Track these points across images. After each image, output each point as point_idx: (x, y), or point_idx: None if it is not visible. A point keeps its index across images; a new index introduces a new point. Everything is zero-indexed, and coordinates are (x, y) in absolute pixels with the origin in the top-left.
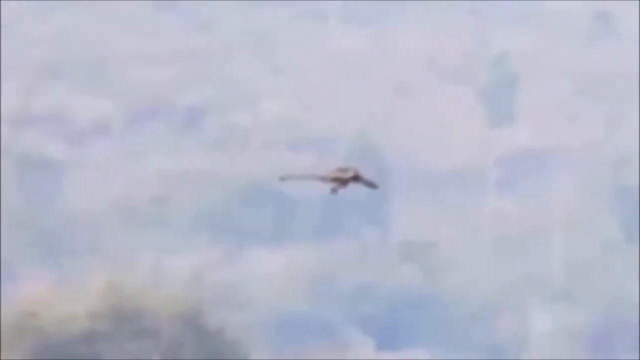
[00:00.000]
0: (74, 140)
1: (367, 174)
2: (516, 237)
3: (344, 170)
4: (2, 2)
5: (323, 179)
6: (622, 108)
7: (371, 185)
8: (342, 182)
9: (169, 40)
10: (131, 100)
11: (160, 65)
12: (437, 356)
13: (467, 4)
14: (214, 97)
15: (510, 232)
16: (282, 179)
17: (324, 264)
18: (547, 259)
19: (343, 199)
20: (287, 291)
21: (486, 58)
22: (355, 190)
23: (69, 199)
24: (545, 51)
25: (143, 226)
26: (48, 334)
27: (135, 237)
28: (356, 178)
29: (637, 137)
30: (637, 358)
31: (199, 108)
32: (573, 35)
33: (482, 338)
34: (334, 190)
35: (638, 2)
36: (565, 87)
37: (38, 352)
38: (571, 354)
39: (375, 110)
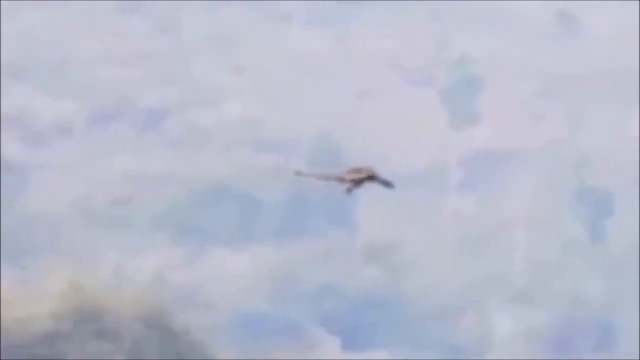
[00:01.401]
0: (35, 141)
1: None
2: (478, 238)
3: (358, 170)
4: None
5: (339, 179)
6: (585, 108)
7: (387, 184)
8: (357, 181)
9: (131, 41)
10: (93, 101)
11: (123, 66)
12: (401, 356)
13: (429, 6)
14: (176, 98)
15: (473, 233)
16: (298, 173)
17: (288, 265)
18: (509, 259)
19: (307, 200)
20: (251, 291)
21: (448, 59)
22: (318, 190)
23: (31, 199)
24: (507, 52)
25: (105, 227)
26: (9, 335)
27: (98, 238)
28: (372, 177)
29: (599, 137)
30: (599, 359)
31: (161, 109)
32: (535, 35)
33: (445, 338)
34: (349, 190)
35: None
36: (527, 87)
37: None
38: (532, 354)
39: (338, 111)
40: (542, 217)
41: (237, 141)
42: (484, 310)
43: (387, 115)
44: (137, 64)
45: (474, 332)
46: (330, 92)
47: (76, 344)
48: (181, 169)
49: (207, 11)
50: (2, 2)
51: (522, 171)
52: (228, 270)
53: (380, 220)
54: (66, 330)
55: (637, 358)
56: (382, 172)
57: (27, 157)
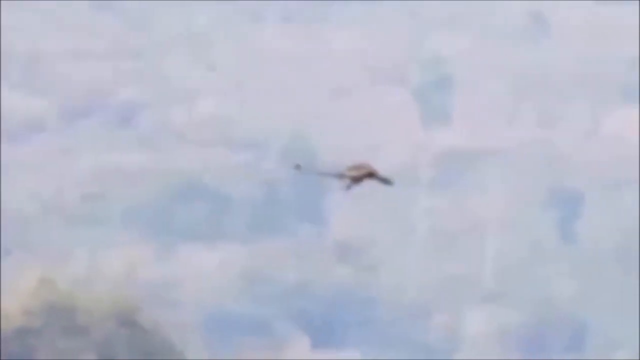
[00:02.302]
0: (7, 137)
1: (301, 173)
2: (450, 238)
3: (358, 167)
4: None
5: (338, 175)
6: (557, 109)
7: (386, 181)
8: (357, 179)
9: (104, 37)
10: (66, 97)
11: (95, 62)
12: (371, 354)
13: (402, 6)
14: (149, 95)
15: (444, 233)
16: (297, 168)
17: (259, 262)
18: (481, 259)
19: (279, 198)
20: (222, 289)
21: (421, 59)
22: (290, 188)
23: (3, 196)
24: (480, 52)
25: (76, 223)
26: None
27: (69, 234)
28: (371, 175)
29: (571, 138)
30: (568, 359)
31: (133, 106)
32: (507, 36)
33: (415, 337)
34: (348, 187)
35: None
36: (499, 88)
37: None
38: (503, 354)
39: (311, 110)
40: (514, 217)
41: (210, 139)
42: (454, 309)
43: (359, 114)
44: (110, 61)
45: (444, 331)
46: (303, 90)
47: (47, 340)
48: (153, 165)
49: (180, 9)
50: None
51: (494, 171)
52: (199, 268)
53: (352, 219)
54: (37, 327)
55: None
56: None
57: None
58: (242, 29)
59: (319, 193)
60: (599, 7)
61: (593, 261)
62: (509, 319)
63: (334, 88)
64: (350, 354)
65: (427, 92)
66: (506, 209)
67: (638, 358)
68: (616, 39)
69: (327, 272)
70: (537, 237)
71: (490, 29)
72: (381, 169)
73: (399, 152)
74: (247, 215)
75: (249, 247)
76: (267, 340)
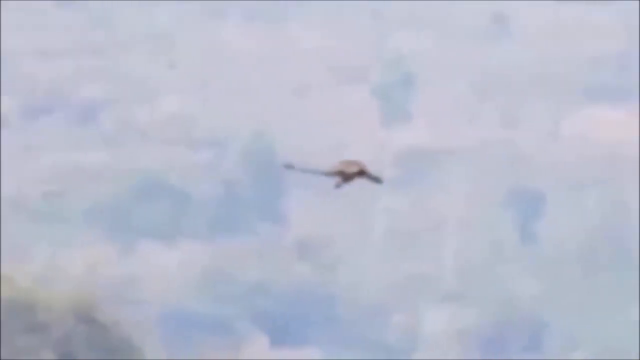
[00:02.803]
0: None
1: (262, 172)
2: (410, 237)
3: (348, 164)
4: None
5: (327, 173)
6: (519, 108)
7: (376, 179)
8: (347, 177)
9: (66, 35)
10: (28, 95)
11: (58, 59)
12: (330, 353)
13: (364, 5)
14: (111, 93)
15: (404, 232)
16: (287, 166)
17: (219, 261)
18: (441, 258)
19: (239, 196)
20: (182, 287)
21: (383, 58)
22: (251, 187)
23: None
24: (441, 51)
25: (37, 221)
26: None
27: (30, 232)
28: (361, 173)
29: (531, 138)
30: (528, 358)
31: (95, 103)
32: (470, 35)
33: (374, 336)
34: (337, 186)
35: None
36: (461, 87)
37: None
38: (462, 353)
39: (273, 108)
40: (475, 216)
41: (172, 137)
42: (414, 308)
43: (321, 113)
44: (72, 59)
45: (403, 330)
46: (266, 89)
47: (6, 337)
48: (114, 163)
49: (142, 7)
50: None
51: (455, 170)
52: (159, 266)
53: (312, 217)
54: None
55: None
56: (316, 169)
57: None
58: (204, 27)
59: (280, 192)
60: (562, 7)
61: (553, 261)
62: (468, 319)
63: (296, 87)
64: (310, 352)
65: (389, 91)
66: (467, 208)
67: (595, 358)
68: (579, 39)
69: (287, 271)
70: (497, 237)
71: (452, 28)
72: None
73: (361, 150)
74: (208, 214)
75: (209, 246)
76: (226, 338)
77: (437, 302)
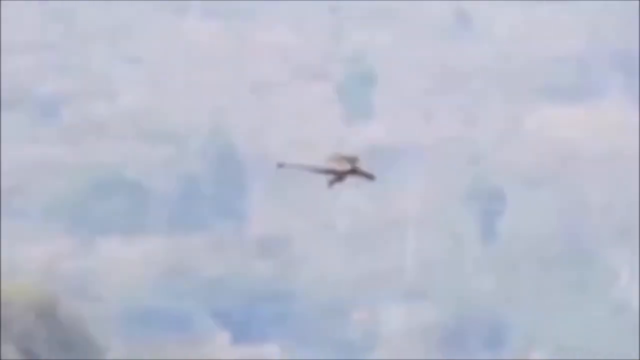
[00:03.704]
0: None
1: (222, 168)
2: (370, 234)
3: (341, 158)
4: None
5: (323, 171)
6: (478, 106)
7: (369, 176)
8: (340, 175)
9: (26, 30)
10: None
11: (16, 55)
12: (290, 349)
13: (325, 2)
14: (71, 88)
15: (365, 229)
16: (280, 165)
17: (179, 257)
18: (401, 255)
19: (199, 192)
20: (142, 282)
21: (344, 55)
22: (211, 183)
23: None
24: (402, 49)
25: None
26: None
27: None
28: (354, 171)
29: (491, 135)
30: (488, 356)
31: (55, 98)
32: (430, 33)
33: (335, 333)
34: (331, 184)
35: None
36: (421, 84)
37: None
38: (422, 350)
39: (233, 104)
40: (435, 214)
41: (131, 132)
42: (374, 305)
43: (281, 109)
44: (31, 54)
45: (364, 327)
46: (225, 85)
47: None
48: (74, 158)
49: (102, 2)
50: None
51: (415, 167)
52: (119, 261)
53: (272, 214)
54: None
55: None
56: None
57: None
58: (164, 23)
59: (240, 188)
60: (523, 7)
61: (513, 259)
62: (428, 316)
63: (255, 83)
64: (270, 349)
65: (349, 88)
66: (427, 205)
67: (553, 354)
68: (539, 39)
69: (247, 267)
70: (457, 234)
71: (414, 26)
72: (304, 163)
73: (321, 147)
74: (167, 209)
75: (169, 242)
76: (186, 334)
77: (397, 299)
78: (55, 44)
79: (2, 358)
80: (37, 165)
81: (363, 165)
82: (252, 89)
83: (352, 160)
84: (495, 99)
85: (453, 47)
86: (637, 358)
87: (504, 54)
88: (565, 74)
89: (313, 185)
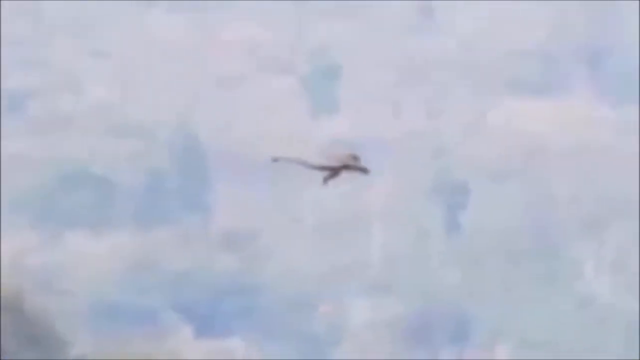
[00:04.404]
0: None
1: (188, 162)
2: (336, 228)
3: (337, 157)
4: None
5: (313, 167)
6: (443, 99)
7: (364, 170)
8: (335, 170)
9: None
10: None
11: None
12: (256, 343)
13: None
14: (35, 82)
15: (330, 222)
16: (275, 160)
17: (144, 251)
18: (366, 249)
19: (165, 186)
20: (108, 277)
21: (308, 48)
22: (177, 176)
23: None
24: (366, 42)
25: None
26: None
27: None
28: (347, 166)
29: (456, 130)
30: (455, 350)
31: (19, 92)
32: (394, 27)
33: (300, 326)
34: (326, 180)
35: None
36: (387, 78)
37: None
38: (388, 343)
39: (198, 98)
40: (399, 208)
41: (97, 126)
42: (340, 299)
43: (246, 103)
44: None
45: (329, 321)
46: (191, 79)
47: None
48: (39, 152)
49: None
50: None
51: (381, 161)
52: (85, 255)
53: (237, 207)
54: None
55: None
56: (242, 160)
57: None
58: (130, 17)
59: (206, 182)
60: (487, 0)
61: (478, 252)
62: (394, 309)
63: (221, 77)
64: (234, 342)
65: (314, 81)
66: (392, 199)
67: (520, 348)
68: (503, 32)
69: (212, 261)
70: (422, 228)
71: (377, 19)
72: (267, 158)
73: (286, 141)
74: (134, 203)
75: (135, 236)
76: (151, 328)
77: (363, 293)
78: (20, 38)
79: None
80: (2, 159)
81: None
82: (218, 83)
83: (352, 158)
84: (460, 92)
85: (417, 41)
86: (455, 350)
87: (468, 47)
88: (530, 68)
89: (279, 179)
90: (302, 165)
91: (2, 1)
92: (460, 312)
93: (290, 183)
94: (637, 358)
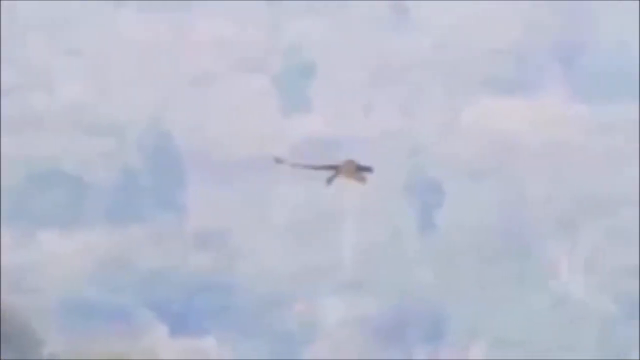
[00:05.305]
0: None
1: (161, 161)
2: (309, 226)
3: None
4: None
5: (318, 168)
6: (416, 98)
7: (367, 169)
8: (338, 170)
9: None
10: None
11: None
12: (230, 342)
13: None
14: (8, 80)
15: (303, 221)
16: (278, 161)
17: (118, 249)
18: (340, 247)
19: (138, 184)
20: (81, 276)
21: (281, 46)
22: (150, 175)
23: None
24: (341, 41)
25: None
26: None
27: None
28: (349, 165)
29: (430, 128)
30: (430, 348)
31: None
32: (368, 25)
33: (274, 324)
34: (329, 181)
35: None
36: (361, 76)
37: None
38: (361, 342)
39: (171, 97)
40: (373, 206)
41: (69, 125)
42: (313, 297)
43: (219, 102)
44: None
45: (303, 319)
46: (163, 77)
47: None
48: (12, 151)
49: None
50: None
51: (354, 159)
52: (58, 254)
53: (211, 206)
54: None
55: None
56: (215, 158)
57: None
58: (102, 14)
59: (179, 181)
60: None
61: (452, 251)
62: (367, 308)
63: (193, 76)
64: (208, 341)
65: (288, 80)
66: (366, 198)
67: (494, 347)
68: (477, 31)
69: (186, 260)
70: (396, 226)
71: (351, 17)
72: (240, 156)
73: (259, 139)
74: (106, 202)
75: (107, 234)
76: (124, 326)
77: (336, 291)
78: None
79: None
80: None
81: (304, 157)
82: (191, 82)
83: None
84: (434, 91)
85: (391, 39)
86: (428, 348)
87: (442, 45)
88: (504, 67)
89: (252, 177)
90: (305, 167)
91: None
92: (434, 310)
93: (263, 182)
94: (610, 356)
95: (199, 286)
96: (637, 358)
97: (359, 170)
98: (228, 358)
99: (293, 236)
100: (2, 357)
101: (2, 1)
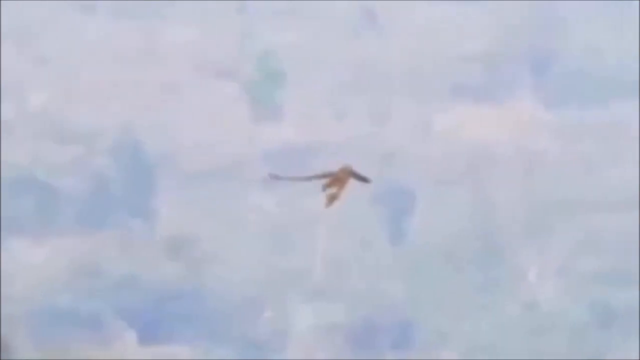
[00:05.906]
0: None
1: (131, 168)
2: (279, 233)
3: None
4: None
5: (314, 178)
6: (387, 105)
7: (365, 179)
8: (333, 177)
9: None
10: None
11: None
12: (200, 350)
13: (233, 1)
14: None
15: (274, 228)
16: (273, 177)
17: (87, 256)
18: (310, 255)
19: (108, 192)
20: (50, 283)
21: (252, 53)
22: (120, 182)
23: None
24: (310, 47)
25: None
26: None
27: None
28: (344, 173)
29: (401, 134)
30: (398, 356)
31: None
32: (339, 30)
33: (244, 333)
34: (325, 188)
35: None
36: (331, 82)
37: None
38: (332, 350)
39: (141, 104)
40: (343, 213)
41: (38, 133)
42: (283, 305)
43: (190, 109)
44: None
45: (273, 327)
46: (134, 85)
47: None
48: None
49: (8, 1)
50: None
51: (325, 167)
52: (27, 262)
53: (181, 213)
54: None
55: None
56: (185, 165)
57: None
58: (71, 21)
59: (149, 188)
60: (432, 5)
61: (422, 259)
62: (337, 315)
63: (164, 83)
64: (178, 349)
65: (259, 86)
66: (336, 205)
67: (465, 355)
68: (448, 37)
69: (156, 267)
70: (367, 234)
71: (321, 22)
72: (211, 164)
73: (230, 146)
74: (77, 209)
75: (78, 241)
76: (95, 334)
77: (307, 299)
78: None
79: None
80: None
81: (284, 167)
82: (161, 89)
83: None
84: (405, 97)
85: (361, 46)
86: (399, 357)
87: (412, 52)
88: (474, 73)
89: (222, 185)
90: (298, 180)
91: None
92: (404, 318)
93: (234, 189)
94: None
95: (170, 293)
96: None
97: (355, 177)
98: None
99: (264, 244)
100: None
101: None
